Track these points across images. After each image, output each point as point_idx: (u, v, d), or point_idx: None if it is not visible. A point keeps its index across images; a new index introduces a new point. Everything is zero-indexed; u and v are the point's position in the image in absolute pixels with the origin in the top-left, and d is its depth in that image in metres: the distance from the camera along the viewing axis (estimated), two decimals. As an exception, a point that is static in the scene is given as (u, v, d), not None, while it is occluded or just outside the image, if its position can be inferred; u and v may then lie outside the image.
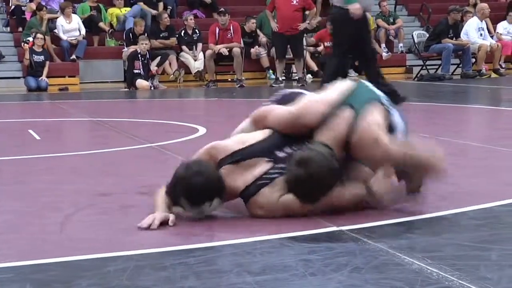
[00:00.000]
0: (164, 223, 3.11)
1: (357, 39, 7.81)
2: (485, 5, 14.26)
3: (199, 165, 3.19)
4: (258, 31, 13.96)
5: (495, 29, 15.22)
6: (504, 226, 3.11)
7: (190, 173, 3.13)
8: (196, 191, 3.10)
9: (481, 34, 13.97)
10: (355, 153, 3.27)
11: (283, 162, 3.18)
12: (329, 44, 13.38)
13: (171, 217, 3.14)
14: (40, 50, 13.01)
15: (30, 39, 13.05)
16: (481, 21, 14.00)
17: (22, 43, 13.36)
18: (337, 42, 8.12)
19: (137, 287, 2.40)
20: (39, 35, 12.94)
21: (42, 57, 12.97)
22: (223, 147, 3.29)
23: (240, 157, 3.22)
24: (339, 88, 3.43)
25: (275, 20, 12.45)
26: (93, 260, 2.69)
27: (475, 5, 15.08)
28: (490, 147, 5.32)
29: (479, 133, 6.70)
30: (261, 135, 3.32)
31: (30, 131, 6.85)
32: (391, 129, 3.42)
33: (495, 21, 15.32)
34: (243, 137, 3.36)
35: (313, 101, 3.39)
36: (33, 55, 12.92)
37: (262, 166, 3.19)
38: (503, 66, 14.66)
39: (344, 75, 7.88)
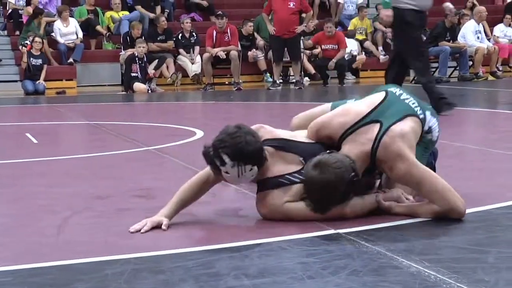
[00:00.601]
0: (157, 227, 3.10)
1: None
2: (482, 8, 14.28)
3: (250, 128, 3.15)
4: (255, 34, 13.97)
5: (492, 32, 15.25)
6: (501, 228, 3.11)
7: (243, 131, 3.08)
8: (246, 149, 3.04)
9: (478, 37, 13.99)
10: (380, 167, 3.24)
11: None
12: (326, 47, 13.41)
13: (164, 221, 3.12)
14: (38, 53, 13.00)
15: (28, 42, 13.05)
16: (478, 24, 14.02)
17: (20, 46, 13.36)
18: (405, 45, 7.60)
19: (135, 290, 2.40)
20: (37, 39, 12.94)
21: (40, 61, 12.97)
22: (271, 130, 3.30)
23: (283, 145, 3.21)
24: (368, 101, 3.36)
25: (272, 23, 12.46)
26: (91, 264, 2.69)
27: (472, 8, 15.11)
28: (487, 149, 5.33)
29: (476, 136, 6.71)
30: (307, 140, 3.32)
31: (27, 134, 6.84)
32: (428, 131, 3.42)
33: (492, 23, 15.34)
34: (294, 133, 3.38)
35: (337, 114, 3.34)
36: (31, 58, 12.92)
37: (294, 165, 3.16)
38: (500, 69, 14.68)
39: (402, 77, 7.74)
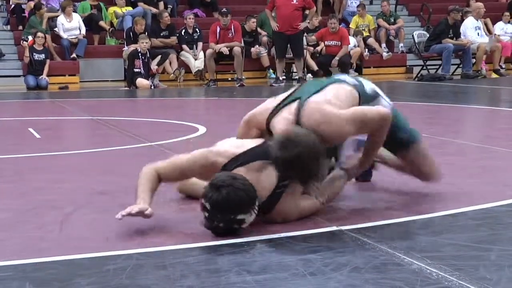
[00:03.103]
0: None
1: None
2: (480, 4, 14.23)
3: (229, 176, 2.94)
4: (259, 29, 13.95)
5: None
6: (503, 226, 3.11)
7: (231, 187, 2.87)
8: (250, 197, 2.91)
9: (478, 34, 13.95)
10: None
11: None
12: (329, 43, 13.39)
13: (149, 210, 3.02)
14: (41, 48, 13.00)
15: (30, 37, 13.05)
16: (477, 20, 13.97)
17: (22, 41, 13.35)
18: None
19: (137, 286, 2.40)
20: (40, 34, 12.93)
21: (42, 56, 12.96)
22: (223, 152, 3.14)
23: (244, 160, 3.09)
24: (286, 92, 3.45)
25: (275, 20, 12.45)
26: (93, 259, 2.70)
27: (475, 5, 15.09)
28: (490, 147, 5.32)
29: (479, 133, 6.70)
30: (254, 142, 3.22)
31: (30, 129, 6.85)
32: (371, 97, 3.46)
33: (496, 21, 15.32)
34: (237, 142, 3.28)
35: (262, 105, 3.42)
36: (34, 53, 12.91)
37: (270, 170, 3.07)
38: (503, 66, 14.65)
39: None
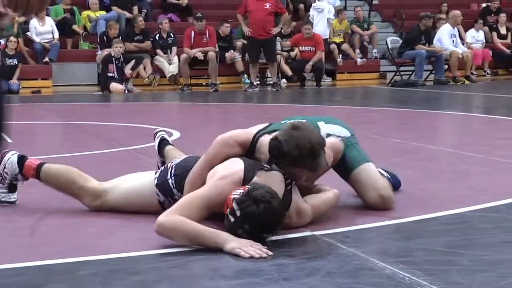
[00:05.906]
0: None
1: None
2: (457, 12, 14.37)
3: (261, 191, 2.85)
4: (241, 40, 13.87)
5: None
6: (475, 231, 3.14)
7: (266, 205, 2.79)
8: (280, 214, 2.88)
9: (453, 41, 14.09)
10: None
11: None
12: (304, 49, 13.44)
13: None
14: (13, 53, 12.85)
15: (2, 41, 12.91)
16: (454, 28, 14.12)
17: None
18: None
19: (110, 291, 2.39)
20: (12, 38, 12.80)
21: (15, 61, 12.80)
22: (235, 172, 3.05)
23: (252, 173, 3.06)
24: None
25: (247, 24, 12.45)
26: (65, 264, 2.68)
27: (447, 12, 15.22)
28: (462, 152, 5.37)
29: (451, 139, 6.76)
30: (240, 159, 3.17)
31: (2, 133, 6.77)
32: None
33: (467, 28, 15.47)
34: (229, 161, 3.17)
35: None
36: (6, 58, 12.76)
37: (274, 174, 3.06)
38: (475, 73, 14.81)
39: None
